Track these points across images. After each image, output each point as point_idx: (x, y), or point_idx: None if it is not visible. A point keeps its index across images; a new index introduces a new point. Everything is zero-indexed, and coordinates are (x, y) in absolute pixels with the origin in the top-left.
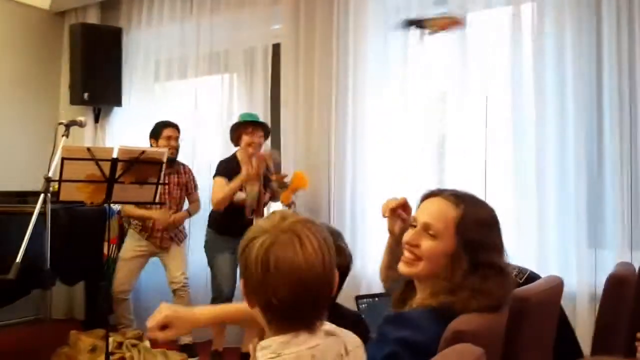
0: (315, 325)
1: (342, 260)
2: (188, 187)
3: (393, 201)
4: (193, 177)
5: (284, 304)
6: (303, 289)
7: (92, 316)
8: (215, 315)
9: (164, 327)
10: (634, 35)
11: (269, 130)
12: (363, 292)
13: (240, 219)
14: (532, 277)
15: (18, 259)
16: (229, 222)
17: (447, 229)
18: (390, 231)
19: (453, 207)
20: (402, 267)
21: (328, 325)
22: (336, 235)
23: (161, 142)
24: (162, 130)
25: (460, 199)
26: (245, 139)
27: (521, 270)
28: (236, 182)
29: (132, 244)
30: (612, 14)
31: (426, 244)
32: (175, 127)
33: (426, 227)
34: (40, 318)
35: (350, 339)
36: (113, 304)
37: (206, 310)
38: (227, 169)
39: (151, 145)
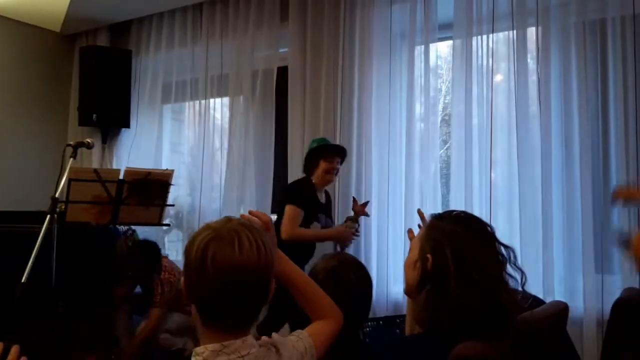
0: (247, 330)
1: (343, 288)
2: None
3: None
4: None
5: (217, 299)
6: (235, 286)
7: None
8: None
9: None
10: None
11: (346, 155)
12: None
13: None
14: (537, 302)
15: (23, 279)
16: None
17: (417, 239)
18: None
19: (429, 221)
20: (404, 291)
21: (274, 337)
22: (347, 264)
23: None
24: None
25: (440, 214)
26: (323, 165)
27: (525, 296)
28: (322, 234)
29: None
30: (617, 36)
31: (405, 260)
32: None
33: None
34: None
35: (289, 352)
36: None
37: None
38: (300, 195)
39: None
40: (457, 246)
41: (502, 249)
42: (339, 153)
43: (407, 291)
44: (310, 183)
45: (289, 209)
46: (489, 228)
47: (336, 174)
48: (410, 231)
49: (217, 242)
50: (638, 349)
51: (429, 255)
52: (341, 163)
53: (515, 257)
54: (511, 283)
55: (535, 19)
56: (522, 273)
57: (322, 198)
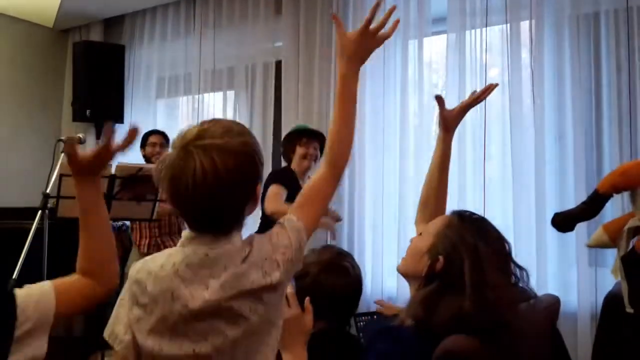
0: (222, 230)
1: (340, 280)
2: None
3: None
4: None
5: (182, 213)
6: (191, 204)
7: (91, 334)
8: None
9: None
10: (634, 52)
11: (324, 141)
12: (362, 310)
13: None
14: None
15: (14, 276)
16: None
17: (432, 229)
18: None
19: (447, 216)
20: (397, 267)
21: (254, 237)
22: (342, 256)
23: (147, 149)
24: (148, 137)
25: (461, 213)
26: (299, 150)
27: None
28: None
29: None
30: (610, 29)
31: (414, 240)
32: (160, 134)
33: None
34: None
35: (259, 246)
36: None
37: None
38: (284, 178)
39: (143, 156)
40: (477, 262)
41: (517, 269)
42: (316, 138)
43: (402, 273)
44: (291, 171)
45: (272, 187)
46: (506, 245)
47: (315, 160)
48: None
49: (171, 164)
50: (628, 343)
51: (441, 257)
52: (321, 150)
53: (528, 278)
54: None
55: (529, 12)
56: (535, 295)
57: None
